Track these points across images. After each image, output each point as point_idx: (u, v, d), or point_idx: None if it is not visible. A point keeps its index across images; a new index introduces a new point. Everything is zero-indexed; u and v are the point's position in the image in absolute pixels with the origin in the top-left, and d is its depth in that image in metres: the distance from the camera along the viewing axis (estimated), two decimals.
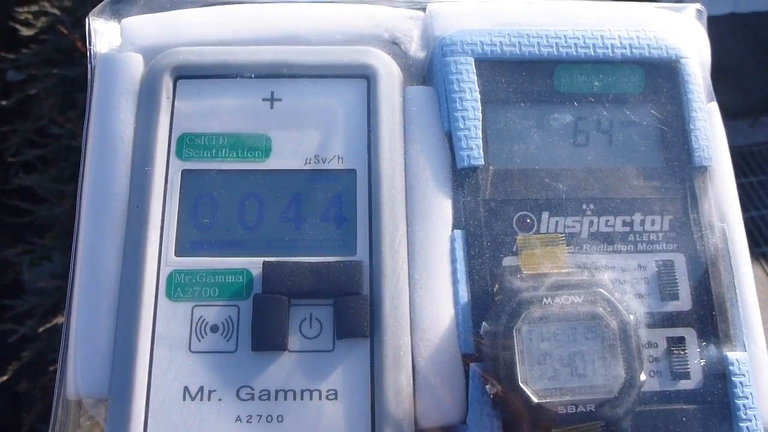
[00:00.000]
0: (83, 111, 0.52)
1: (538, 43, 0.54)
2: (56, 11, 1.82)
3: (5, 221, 1.78)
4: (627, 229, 0.51)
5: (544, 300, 0.45)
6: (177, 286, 0.49)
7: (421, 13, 0.57)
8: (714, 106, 0.55)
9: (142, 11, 0.56)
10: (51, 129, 1.79)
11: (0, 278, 1.84)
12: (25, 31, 1.82)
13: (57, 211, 1.73)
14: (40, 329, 1.59)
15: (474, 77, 0.53)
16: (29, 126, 1.84)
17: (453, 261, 0.50)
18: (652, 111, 0.54)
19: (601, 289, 0.46)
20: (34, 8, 1.84)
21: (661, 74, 0.54)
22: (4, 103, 1.87)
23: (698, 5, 0.58)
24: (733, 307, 0.50)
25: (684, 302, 0.50)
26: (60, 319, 1.58)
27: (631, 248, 0.51)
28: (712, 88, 0.56)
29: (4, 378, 1.59)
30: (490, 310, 0.48)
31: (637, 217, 0.51)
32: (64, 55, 1.84)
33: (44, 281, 1.70)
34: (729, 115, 0.56)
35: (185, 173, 0.51)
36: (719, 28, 0.57)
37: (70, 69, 1.80)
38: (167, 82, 0.52)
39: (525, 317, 0.45)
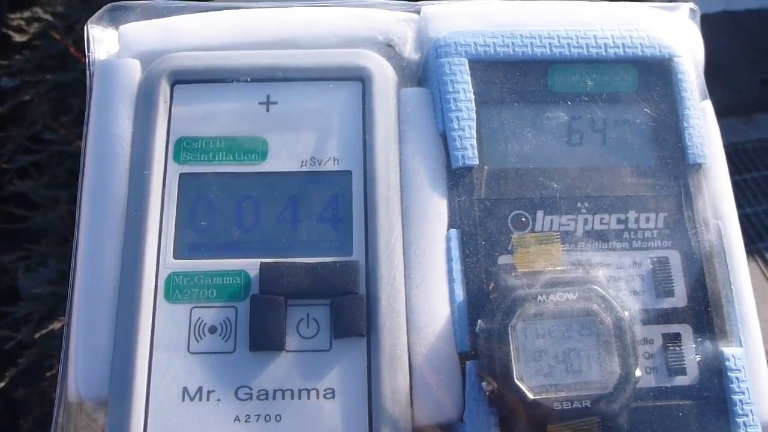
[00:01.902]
0: (77, 116, 0.52)
1: (531, 43, 0.54)
2: (49, 17, 1.82)
3: (0, 228, 1.78)
4: (621, 226, 0.52)
5: (539, 297, 0.46)
6: (175, 288, 0.49)
7: (415, 15, 0.57)
8: (708, 104, 0.56)
9: (140, 18, 0.56)
10: (45, 135, 1.79)
11: None
12: (18, 38, 1.81)
13: (52, 216, 1.72)
14: (37, 335, 1.59)
15: (468, 78, 0.53)
16: (23, 132, 1.84)
17: (449, 260, 0.50)
18: (645, 109, 0.54)
19: (595, 286, 0.46)
20: (27, 14, 1.83)
21: (654, 73, 0.55)
22: None
23: (691, 4, 0.58)
24: (728, 302, 0.50)
25: (679, 299, 0.50)
26: (56, 325, 1.58)
27: (626, 245, 0.51)
28: (705, 86, 0.56)
29: (1, 384, 1.59)
30: (486, 308, 0.48)
31: (632, 215, 0.52)
32: (57, 61, 1.84)
33: (40, 287, 1.70)
34: (722, 112, 0.56)
35: (183, 176, 0.51)
36: (712, 26, 0.58)
37: (63, 74, 1.80)
38: (164, 87, 0.52)
39: (520, 314, 0.45)
